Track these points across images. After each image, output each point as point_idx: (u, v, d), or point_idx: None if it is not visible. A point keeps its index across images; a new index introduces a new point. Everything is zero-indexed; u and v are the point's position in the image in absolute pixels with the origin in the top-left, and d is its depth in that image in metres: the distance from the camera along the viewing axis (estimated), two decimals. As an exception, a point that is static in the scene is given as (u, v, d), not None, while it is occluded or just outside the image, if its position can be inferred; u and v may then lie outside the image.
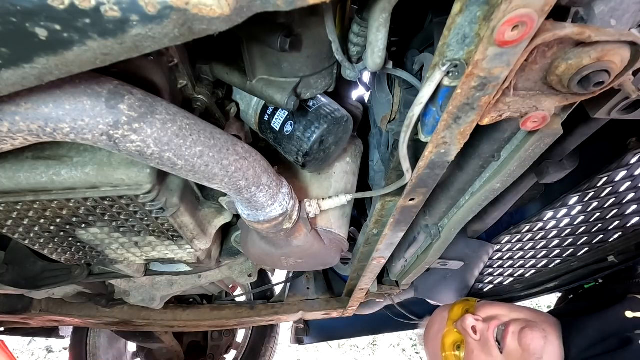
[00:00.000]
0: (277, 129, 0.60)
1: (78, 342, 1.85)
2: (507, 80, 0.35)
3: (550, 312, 1.01)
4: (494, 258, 1.30)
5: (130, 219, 0.57)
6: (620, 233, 0.93)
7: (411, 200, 0.55)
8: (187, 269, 0.87)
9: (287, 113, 0.59)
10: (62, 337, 1.74)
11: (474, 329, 0.86)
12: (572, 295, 1.10)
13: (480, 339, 0.85)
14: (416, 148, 0.48)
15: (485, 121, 0.40)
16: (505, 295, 1.30)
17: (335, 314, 1.32)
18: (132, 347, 2.03)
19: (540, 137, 0.48)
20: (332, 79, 0.56)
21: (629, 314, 0.76)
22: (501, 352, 0.81)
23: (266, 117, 0.61)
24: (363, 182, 0.82)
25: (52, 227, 0.57)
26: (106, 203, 0.51)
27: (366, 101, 0.85)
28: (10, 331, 1.44)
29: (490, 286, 1.38)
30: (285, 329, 2.42)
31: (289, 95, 0.51)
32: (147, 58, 0.47)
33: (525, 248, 1.19)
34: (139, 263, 0.80)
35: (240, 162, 0.46)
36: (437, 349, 0.95)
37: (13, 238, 0.58)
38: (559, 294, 1.21)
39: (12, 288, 0.83)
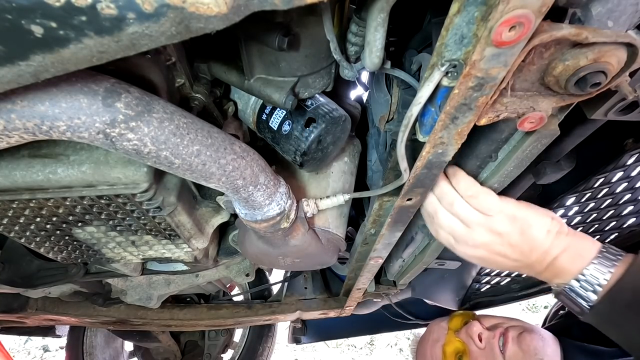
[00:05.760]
0: (275, 128, 0.60)
1: (74, 341, 1.85)
2: (505, 81, 0.35)
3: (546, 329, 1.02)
4: (492, 258, 1.30)
5: (127, 218, 0.56)
6: (617, 234, 0.93)
7: (409, 200, 0.55)
8: (185, 268, 0.87)
9: (285, 112, 0.59)
10: (59, 336, 1.73)
11: (479, 336, 0.86)
12: (562, 311, 1.11)
13: (485, 348, 0.85)
14: (414, 148, 0.48)
15: (483, 121, 0.40)
16: (502, 295, 1.31)
17: (332, 314, 1.32)
18: (129, 346, 2.03)
19: (537, 137, 0.48)
20: (330, 78, 0.56)
21: None
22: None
23: (264, 117, 0.61)
24: (361, 181, 0.82)
25: (48, 226, 0.57)
26: (103, 202, 0.51)
27: (364, 101, 0.85)
28: (6, 330, 1.43)
29: (488, 286, 1.38)
30: (283, 328, 2.42)
31: (287, 94, 0.51)
32: (145, 56, 0.47)
33: (523, 248, 1.19)
34: (136, 262, 0.80)
35: (238, 161, 0.46)
36: (436, 358, 0.95)
37: (9, 236, 0.58)
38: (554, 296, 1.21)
39: (8, 287, 0.83)
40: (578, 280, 0.46)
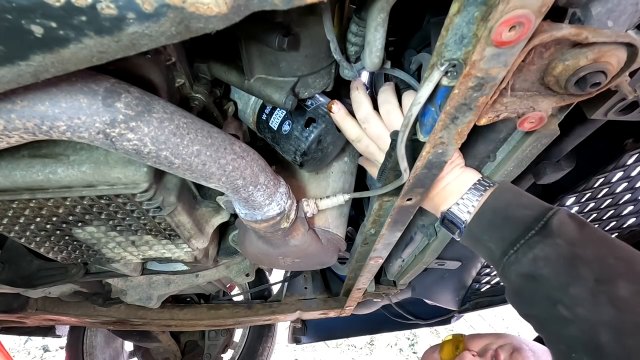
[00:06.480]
0: (275, 128, 0.60)
1: (74, 341, 1.85)
2: (505, 81, 0.35)
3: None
4: (491, 258, 1.30)
5: (127, 218, 0.56)
6: (617, 234, 0.93)
7: (408, 200, 0.55)
8: (185, 268, 0.87)
9: (285, 112, 0.59)
10: (59, 336, 1.73)
11: None
12: None
13: None
14: (414, 148, 0.48)
15: (483, 121, 0.40)
16: (502, 295, 1.30)
17: (332, 314, 1.32)
18: (129, 346, 2.03)
19: (537, 137, 0.48)
20: (330, 78, 0.56)
21: None
22: None
23: (264, 117, 0.61)
24: (361, 181, 0.82)
25: (48, 226, 0.57)
26: (103, 202, 0.51)
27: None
28: (6, 330, 1.43)
29: (488, 286, 1.38)
30: (283, 328, 2.42)
31: (287, 94, 0.51)
32: (145, 56, 0.47)
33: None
34: (136, 262, 0.80)
35: (238, 161, 0.46)
36: None
37: (9, 236, 0.58)
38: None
39: (8, 287, 0.83)
40: (457, 204, 0.54)
